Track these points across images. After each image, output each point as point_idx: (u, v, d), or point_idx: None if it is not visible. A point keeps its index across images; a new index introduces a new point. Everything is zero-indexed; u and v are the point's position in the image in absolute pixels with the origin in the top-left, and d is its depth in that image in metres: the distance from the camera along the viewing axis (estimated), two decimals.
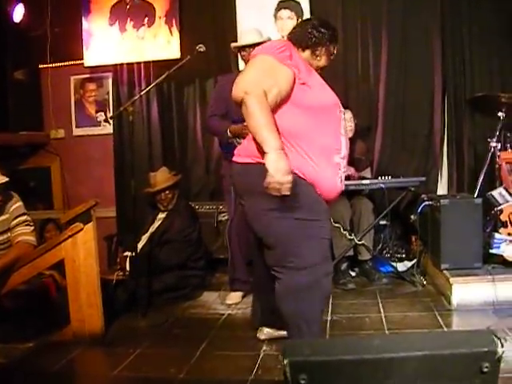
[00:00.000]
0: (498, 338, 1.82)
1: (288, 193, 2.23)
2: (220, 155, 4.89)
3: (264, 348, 3.14)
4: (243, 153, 2.55)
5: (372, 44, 5.26)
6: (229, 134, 3.94)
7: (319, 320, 2.61)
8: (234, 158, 2.62)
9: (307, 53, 2.62)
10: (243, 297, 4.16)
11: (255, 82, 2.34)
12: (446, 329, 3.32)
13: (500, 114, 4.25)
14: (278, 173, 2.19)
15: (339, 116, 2.58)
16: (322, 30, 2.61)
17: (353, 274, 4.64)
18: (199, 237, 4.60)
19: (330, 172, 2.50)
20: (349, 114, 4.61)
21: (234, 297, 4.16)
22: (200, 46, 3.87)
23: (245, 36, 4.08)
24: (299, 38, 2.61)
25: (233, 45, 4.14)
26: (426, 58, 5.18)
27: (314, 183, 2.46)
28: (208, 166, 5.67)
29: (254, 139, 2.33)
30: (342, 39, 5.03)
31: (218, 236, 5.10)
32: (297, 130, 2.44)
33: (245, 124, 3.94)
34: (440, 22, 5.11)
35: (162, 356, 3.16)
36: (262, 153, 2.26)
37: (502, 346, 1.83)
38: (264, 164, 2.22)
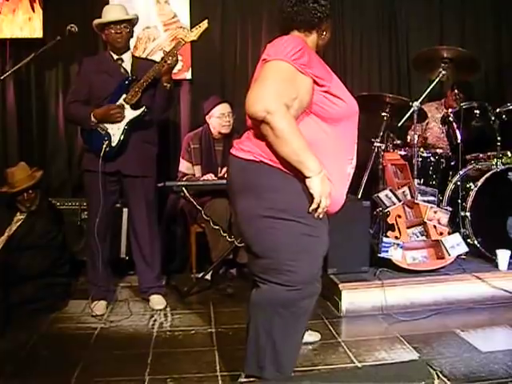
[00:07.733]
0: (434, 370, 1.76)
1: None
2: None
3: (148, 370, 2.78)
4: (245, 148, 2.22)
5: (251, 41, 5.20)
6: (93, 118, 3.55)
7: (292, 358, 2.20)
8: (234, 152, 2.28)
9: (314, 35, 2.31)
10: (107, 306, 3.80)
11: (276, 98, 2.02)
12: (339, 338, 3.19)
13: (384, 113, 4.22)
14: (324, 198, 2.08)
15: (357, 123, 2.33)
16: (323, 1, 2.27)
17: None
18: (64, 240, 4.12)
19: (340, 183, 2.24)
20: (228, 109, 4.46)
21: (99, 307, 3.73)
22: (72, 25, 3.40)
23: (109, 12, 3.66)
24: (304, 19, 2.26)
25: (96, 21, 3.66)
26: None
27: None
28: (70, 159, 5.16)
29: (260, 139, 2.15)
30: (220, 36, 5.17)
31: (82, 236, 4.53)
32: (314, 141, 2.14)
33: (111, 106, 3.55)
34: None
35: None
36: (298, 172, 2.09)
37: (438, 377, 1.77)
38: (267, 164, 2.11)
